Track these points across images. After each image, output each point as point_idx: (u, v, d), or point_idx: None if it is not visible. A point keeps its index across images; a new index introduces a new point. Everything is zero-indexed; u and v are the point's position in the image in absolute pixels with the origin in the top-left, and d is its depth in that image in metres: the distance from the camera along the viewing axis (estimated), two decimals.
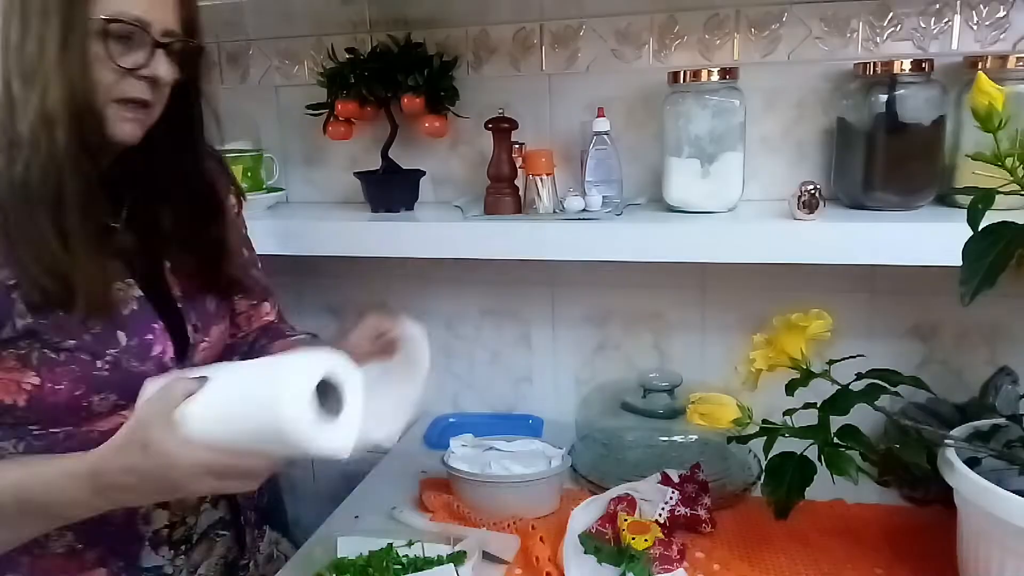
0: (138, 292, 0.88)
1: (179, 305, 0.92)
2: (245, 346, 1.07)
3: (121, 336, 0.84)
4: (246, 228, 1.08)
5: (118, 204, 0.89)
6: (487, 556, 1.00)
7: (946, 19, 1.13)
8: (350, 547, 1.00)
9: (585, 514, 1.04)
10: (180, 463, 0.72)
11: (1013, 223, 0.72)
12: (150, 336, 0.87)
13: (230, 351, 1.08)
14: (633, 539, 0.96)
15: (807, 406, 0.90)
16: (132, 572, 0.90)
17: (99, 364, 0.82)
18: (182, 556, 0.95)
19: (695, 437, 1.21)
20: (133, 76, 0.80)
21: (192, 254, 0.94)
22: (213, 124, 0.93)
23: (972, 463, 0.81)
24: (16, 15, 0.76)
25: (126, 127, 0.82)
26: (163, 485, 0.75)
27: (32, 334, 0.79)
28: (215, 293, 0.97)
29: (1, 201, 0.77)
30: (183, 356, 0.91)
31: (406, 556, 0.98)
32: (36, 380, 0.80)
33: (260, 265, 1.10)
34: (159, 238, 0.92)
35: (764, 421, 0.92)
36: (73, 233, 0.78)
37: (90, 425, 0.84)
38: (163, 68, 0.81)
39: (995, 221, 0.73)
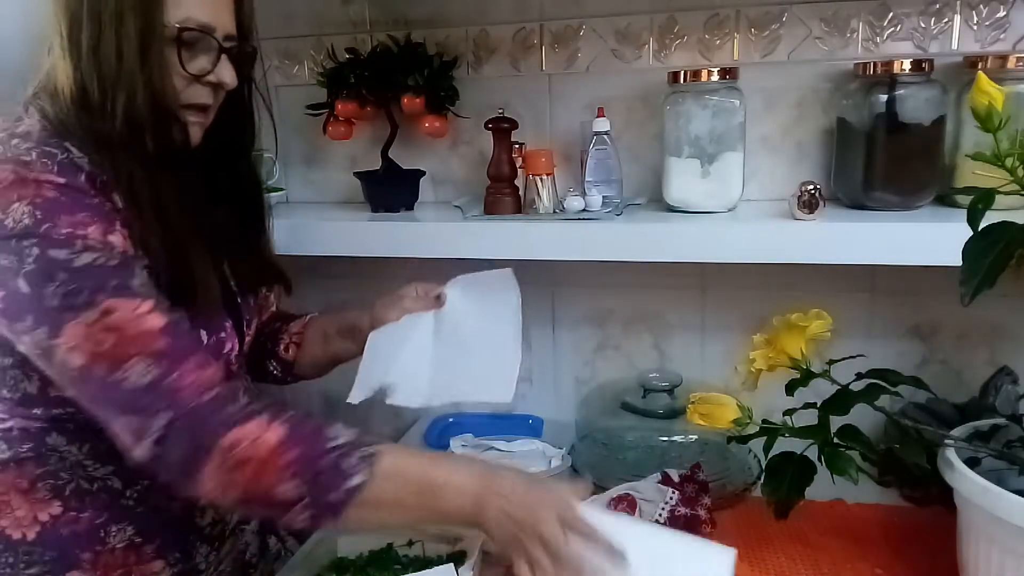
0: (219, 291, 0.89)
1: (239, 301, 0.95)
2: (263, 335, 1.08)
3: (204, 335, 0.86)
4: None
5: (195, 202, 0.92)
6: (487, 556, 1.00)
7: (946, 19, 1.13)
8: (350, 547, 1.00)
9: None
10: (555, 496, 0.80)
11: (1013, 223, 0.72)
12: (223, 334, 0.90)
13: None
14: None
15: (807, 406, 0.90)
16: (187, 564, 0.91)
17: None
18: (215, 552, 0.96)
19: (695, 437, 1.21)
20: (199, 82, 0.81)
21: (247, 252, 0.96)
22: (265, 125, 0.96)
23: (972, 463, 0.81)
24: (87, 18, 0.76)
25: (191, 130, 0.84)
26: (531, 511, 0.77)
27: None
28: (262, 288, 1.00)
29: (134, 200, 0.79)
30: (241, 351, 0.94)
31: (406, 556, 0.98)
32: None
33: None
34: (216, 237, 0.93)
35: (764, 421, 0.92)
36: (181, 233, 0.81)
37: None
38: (227, 74, 0.83)
39: (995, 221, 0.73)
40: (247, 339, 0.97)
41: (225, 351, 0.89)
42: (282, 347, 1.07)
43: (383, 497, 0.76)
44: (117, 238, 0.76)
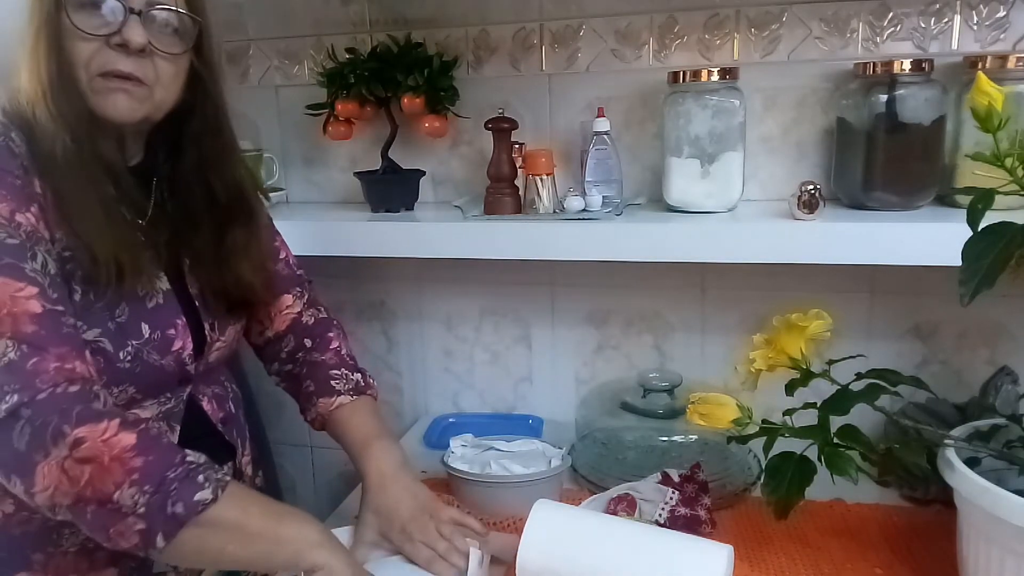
0: (166, 285, 0.89)
1: (196, 303, 0.93)
2: (283, 352, 1.07)
3: (145, 328, 0.85)
4: (270, 219, 1.08)
5: (146, 199, 0.90)
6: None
7: (946, 19, 1.13)
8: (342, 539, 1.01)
9: None
10: None
11: (1013, 223, 0.72)
12: (172, 331, 0.88)
13: (266, 351, 1.09)
14: None
15: (807, 406, 0.90)
16: (143, 572, 0.90)
17: (121, 355, 0.82)
18: None
19: (695, 437, 1.20)
20: (108, 47, 0.79)
21: (209, 255, 0.93)
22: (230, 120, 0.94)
23: (972, 463, 0.81)
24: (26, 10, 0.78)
25: (116, 100, 0.81)
26: None
27: None
28: (227, 295, 0.95)
29: (54, 177, 0.79)
30: (199, 353, 0.92)
31: None
32: None
33: (286, 255, 1.10)
34: (181, 235, 0.92)
35: (764, 421, 0.92)
36: (94, 204, 0.79)
37: None
38: (135, 33, 0.79)
39: (995, 221, 0.73)
40: (218, 342, 0.95)
41: (174, 349, 0.87)
42: (307, 417, 1.04)
43: (226, 520, 0.75)
44: (26, 218, 0.75)
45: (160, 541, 0.71)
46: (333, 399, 1.01)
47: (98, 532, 0.72)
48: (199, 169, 0.92)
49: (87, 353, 0.77)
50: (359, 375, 1.05)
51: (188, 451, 0.76)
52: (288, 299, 1.08)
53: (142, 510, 0.71)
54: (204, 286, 0.94)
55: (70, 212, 0.79)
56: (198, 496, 0.72)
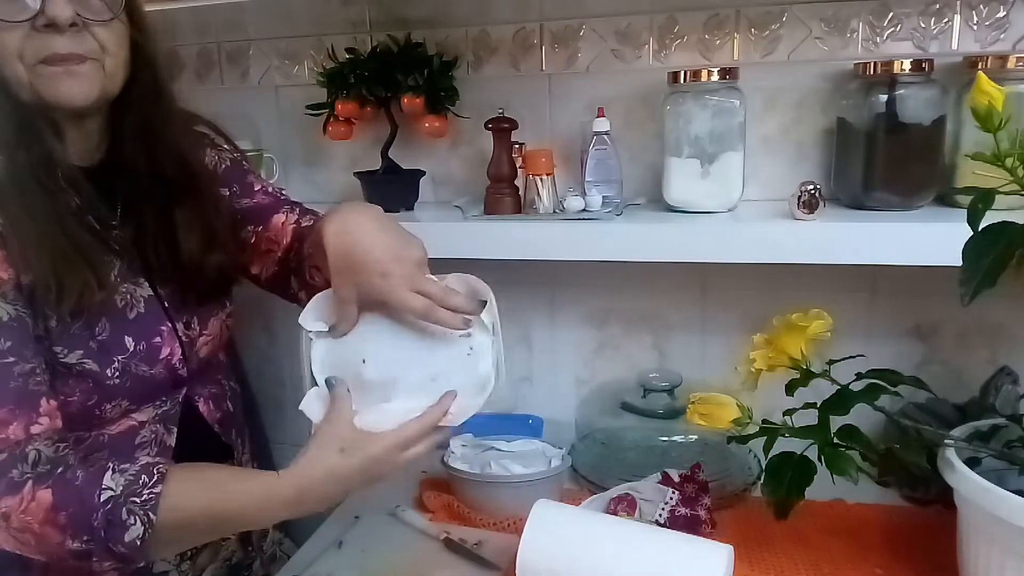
0: (148, 291, 0.86)
1: (166, 304, 0.89)
2: (293, 262, 0.99)
3: (128, 341, 0.83)
4: (248, 167, 1.03)
5: (113, 200, 0.87)
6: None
7: (946, 19, 1.13)
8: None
9: None
10: (376, 449, 0.78)
11: (1013, 223, 0.72)
12: (157, 339, 0.86)
13: (282, 277, 1.00)
14: None
15: (807, 406, 0.90)
16: (147, 572, 0.89)
17: (108, 373, 0.81)
18: (188, 561, 0.94)
19: (695, 437, 1.20)
20: (36, 30, 0.74)
21: (173, 248, 0.89)
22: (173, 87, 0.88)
23: (972, 463, 0.81)
24: None
25: (66, 85, 0.76)
26: (364, 477, 0.78)
27: (43, 348, 0.77)
28: (192, 284, 0.90)
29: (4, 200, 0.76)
30: (185, 355, 0.90)
31: None
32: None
33: (262, 187, 1.04)
34: (145, 233, 0.89)
35: (764, 421, 0.92)
36: (51, 224, 0.76)
37: (100, 429, 0.84)
38: (57, 8, 0.73)
39: (995, 221, 0.73)
40: (203, 337, 0.92)
41: (162, 357, 0.86)
42: (308, 277, 0.96)
43: (176, 534, 0.75)
44: None
45: (136, 565, 0.74)
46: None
47: (83, 567, 0.74)
48: (142, 136, 0.86)
49: (41, 400, 0.75)
50: None
51: (104, 483, 0.73)
52: (280, 217, 1.01)
53: (98, 553, 0.72)
54: (170, 280, 0.89)
55: (22, 242, 0.75)
56: (129, 536, 0.72)
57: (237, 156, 1.04)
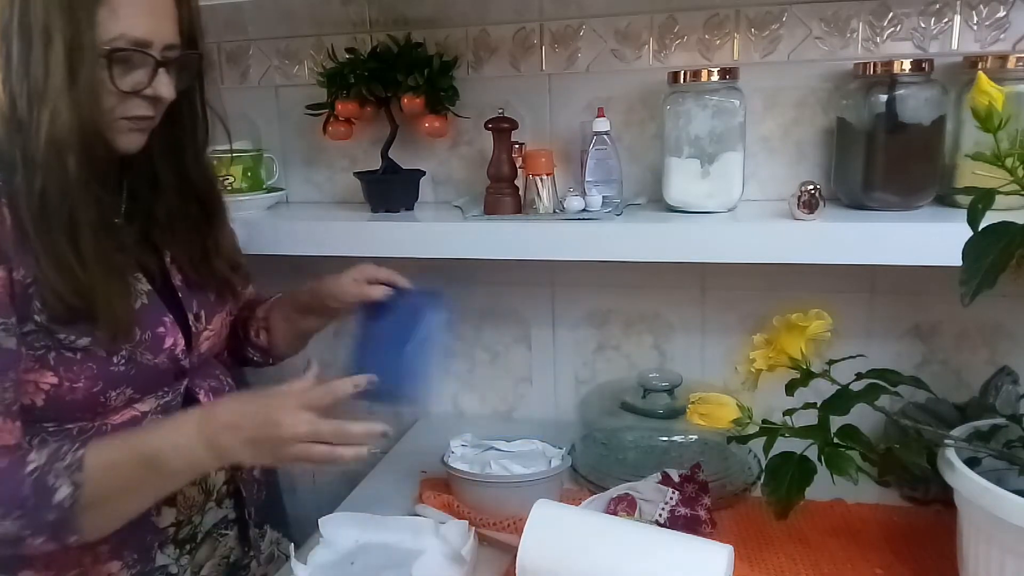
0: (147, 286, 0.89)
1: (180, 295, 0.94)
2: (237, 324, 1.10)
3: (135, 331, 0.85)
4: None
5: (118, 197, 0.91)
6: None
7: (946, 19, 1.13)
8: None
9: None
10: (279, 398, 0.82)
11: (1013, 223, 0.72)
12: (161, 329, 0.89)
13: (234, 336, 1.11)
14: None
15: (807, 406, 0.90)
16: (145, 565, 0.90)
17: (115, 360, 0.83)
18: (187, 555, 0.95)
19: (695, 437, 1.20)
20: (136, 97, 0.81)
21: (190, 245, 0.95)
22: (219, 124, 0.96)
23: (972, 463, 0.81)
24: (16, 33, 0.75)
25: (131, 138, 0.85)
26: (266, 425, 0.80)
27: (48, 333, 0.79)
28: (213, 283, 0.98)
29: (23, 217, 0.77)
30: (190, 346, 0.93)
31: None
32: (54, 380, 0.81)
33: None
34: (158, 229, 0.94)
35: (764, 421, 0.92)
36: (89, 255, 0.79)
37: (104, 419, 0.86)
38: (164, 87, 0.83)
39: (995, 221, 0.73)
40: (206, 331, 0.97)
41: (166, 346, 0.89)
42: (253, 333, 1.11)
43: (105, 492, 0.77)
44: None
45: (69, 538, 0.76)
46: (268, 301, 1.11)
47: (24, 551, 0.77)
48: (175, 151, 0.93)
49: (13, 409, 0.78)
50: None
51: (28, 459, 0.76)
52: (252, 290, 1.14)
53: (29, 530, 0.75)
54: (187, 277, 0.95)
55: (38, 257, 0.78)
56: (57, 498, 0.74)
57: None
